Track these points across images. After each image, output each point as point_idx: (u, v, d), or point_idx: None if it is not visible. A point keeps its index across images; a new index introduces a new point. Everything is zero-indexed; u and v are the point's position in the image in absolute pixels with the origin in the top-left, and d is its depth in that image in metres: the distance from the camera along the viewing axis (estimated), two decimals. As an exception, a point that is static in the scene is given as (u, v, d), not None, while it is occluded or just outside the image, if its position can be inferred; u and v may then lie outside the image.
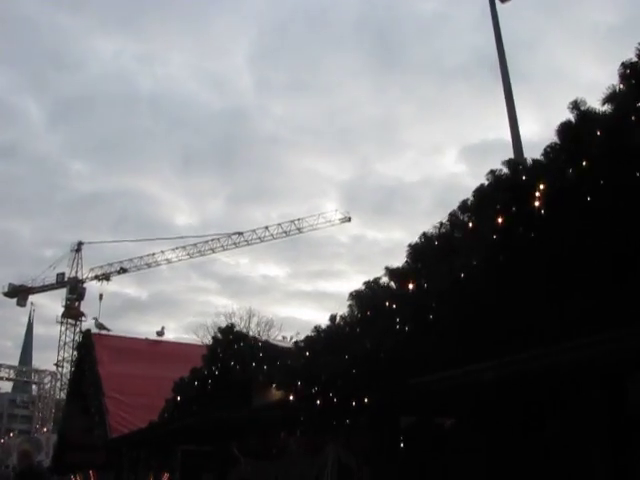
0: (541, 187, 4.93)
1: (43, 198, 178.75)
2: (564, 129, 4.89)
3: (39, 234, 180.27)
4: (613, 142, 4.63)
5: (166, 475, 17.25)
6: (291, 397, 7.95)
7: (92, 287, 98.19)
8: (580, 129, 4.78)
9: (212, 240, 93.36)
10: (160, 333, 29.97)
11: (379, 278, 6.93)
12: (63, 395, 79.93)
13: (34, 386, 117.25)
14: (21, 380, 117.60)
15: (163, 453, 17.25)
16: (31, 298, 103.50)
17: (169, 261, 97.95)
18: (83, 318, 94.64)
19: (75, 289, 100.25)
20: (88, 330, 27.62)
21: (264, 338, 17.95)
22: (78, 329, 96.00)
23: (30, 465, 15.73)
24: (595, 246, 4.85)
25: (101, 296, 78.01)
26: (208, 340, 21.92)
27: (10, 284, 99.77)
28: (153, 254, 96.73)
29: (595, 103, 4.78)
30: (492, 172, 5.31)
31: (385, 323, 6.50)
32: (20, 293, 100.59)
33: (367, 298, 7.02)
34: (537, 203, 4.95)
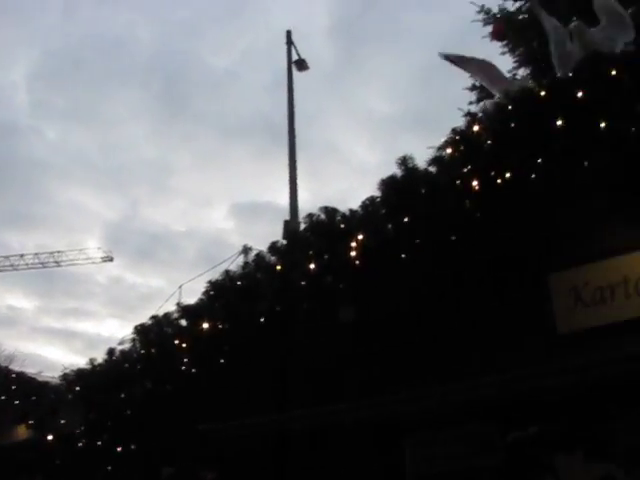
0: (359, 237, 4.86)
1: None
2: (389, 183, 4.89)
3: None
4: (434, 203, 4.70)
5: None
6: (50, 437, 7.04)
7: None
8: (405, 185, 4.81)
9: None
10: None
11: (170, 313, 6.43)
12: None
13: None
14: None
15: None
16: None
17: None
18: None
19: None
20: None
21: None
22: None
23: None
24: (404, 306, 4.84)
25: None
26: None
27: None
28: None
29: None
30: (310, 216, 5.16)
31: (171, 363, 6.00)
32: None
33: (153, 334, 6.48)
34: (353, 253, 4.86)
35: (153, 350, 6.26)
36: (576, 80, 4.45)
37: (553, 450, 5.05)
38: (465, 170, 4.65)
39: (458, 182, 4.63)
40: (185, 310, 6.21)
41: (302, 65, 13.22)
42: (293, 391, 5.51)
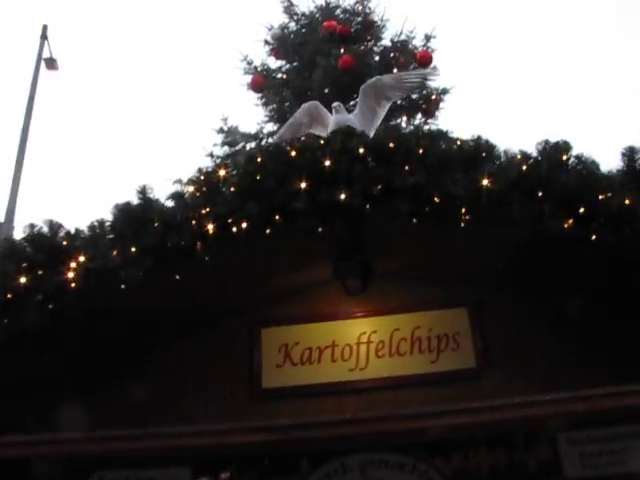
0: (81, 258, 4.49)
1: None
2: (123, 209, 4.61)
3: None
4: (165, 238, 4.53)
5: None
6: None
7: None
8: (139, 214, 4.57)
9: None
10: None
11: None
12: None
13: None
14: None
15: None
16: None
17: None
18: None
19: None
20: None
21: None
22: None
23: None
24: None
25: None
26: None
27: None
28: None
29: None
30: (31, 226, 4.66)
31: None
32: None
33: None
34: (71, 274, 4.47)
35: None
36: (325, 149, 4.61)
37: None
38: (204, 212, 4.54)
39: (194, 222, 4.51)
40: None
41: (52, 64, 12.40)
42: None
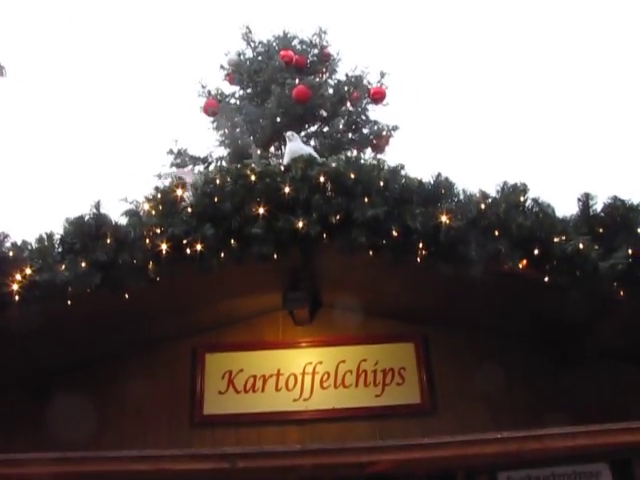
0: (27, 271, 4.32)
1: None
2: (75, 223, 4.47)
3: None
4: (118, 254, 4.42)
5: None
6: None
7: None
8: (92, 228, 4.44)
9: None
10: None
11: None
12: None
13: None
14: None
15: None
16: None
17: None
18: None
19: None
20: None
21: None
22: None
23: None
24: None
25: None
26: None
27: None
28: None
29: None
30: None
31: None
32: None
33: None
34: (16, 287, 4.29)
35: None
36: (285, 176, 4.59)
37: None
38: (158, 231, 4.45)
39: (148, 241, 4.41)
40: None
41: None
42: None
